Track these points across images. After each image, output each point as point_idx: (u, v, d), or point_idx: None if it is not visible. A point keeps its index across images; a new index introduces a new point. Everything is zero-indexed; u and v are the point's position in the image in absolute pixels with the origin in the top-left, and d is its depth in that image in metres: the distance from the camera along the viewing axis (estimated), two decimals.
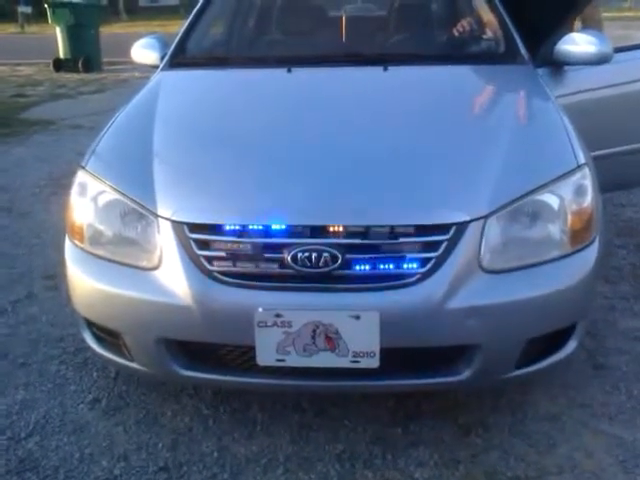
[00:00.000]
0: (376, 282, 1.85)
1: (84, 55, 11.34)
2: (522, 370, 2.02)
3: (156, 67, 3.02)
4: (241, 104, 2.61)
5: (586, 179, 2.06)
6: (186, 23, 3.19)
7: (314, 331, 1.82)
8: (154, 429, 2.25)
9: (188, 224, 1.91)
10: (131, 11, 27.46)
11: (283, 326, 1.82)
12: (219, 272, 1.87)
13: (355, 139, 2.22)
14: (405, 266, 1.84)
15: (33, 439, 2.21)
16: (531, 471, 2.02)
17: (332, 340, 1.83)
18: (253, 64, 2.99)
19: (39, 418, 2.31)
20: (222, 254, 1.88)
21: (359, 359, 1.84)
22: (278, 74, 2.77)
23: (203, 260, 1.88)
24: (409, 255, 1.84)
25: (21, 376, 2.55)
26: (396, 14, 3.60)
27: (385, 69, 2.70)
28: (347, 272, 1.84)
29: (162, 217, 1.94)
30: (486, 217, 1.88)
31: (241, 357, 1.97)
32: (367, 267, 1.84)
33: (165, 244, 1.93)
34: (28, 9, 21.72)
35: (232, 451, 2.13)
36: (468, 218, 1.86)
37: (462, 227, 1.86)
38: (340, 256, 1.82)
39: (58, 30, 11.48)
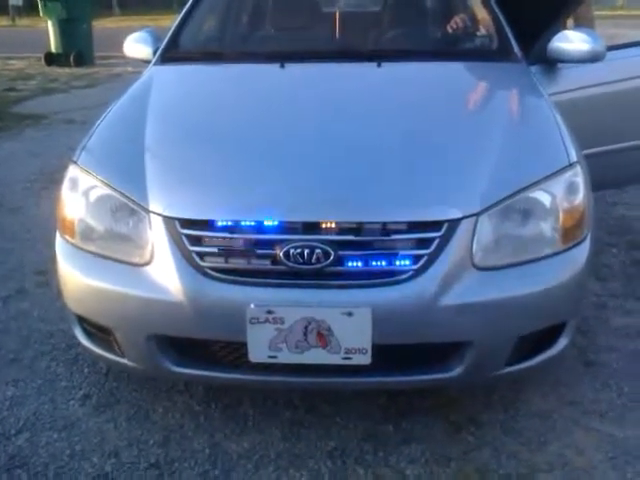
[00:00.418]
0: (368, 279, 1.85)
1: (76, 49, 11.25)
2: (513, 367, 2.03)
3: (148, 61, 3.01)
4: (233, 99, 2.60)
5: (578, 177, 2.06)
6: (179, 17, 3.18)
7: (306, 328, 1.82)
8: (145, 425, 2.24)
9: (180, 220, 1.90)
10: (124, 5, 27.28)
11: (275, 322, 1.82)
12: (211, 268, 1.87)
13: (347, 135, 2.21)
14: (397, 263, 1.84)
15: (23, 435, 2.20)
16: (522, 468, 2.03)
17: (324, 337, 1.83)
18: (246, 59, 2.98)
19: (29, 414, 2.30)
20: (214, 250, 1.88)
21: (351, 356, 1.84)
22: (271, 69, 2.76)
23: (195, 256, 1.87)
24: (401, 252, 1.84)
25: (11, 372, 2.54)
26: (390, 10, 3.60)
27: (379, 65, 2.70)
28: (339, 268, 1.84)
29: (154, 212, 1.93)
30: (478, 214, 1.88)
31: (233, 353, 1.97)
32: (359, 264, 1.84)
33: (157, 240, 1.92)
34: (19, 2, 21.49)
35: (223, 448, 2.13)
36: (460, 215, 1.86)
37: (454, 224, 1.86)
38: (332, 252, 1.81)
39: (50, 24, 11.39)
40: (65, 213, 2.12)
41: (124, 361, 2.08)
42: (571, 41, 2.80)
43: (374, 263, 1.84)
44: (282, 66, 2.72)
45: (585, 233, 2.04)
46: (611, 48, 3.02)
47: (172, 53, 2.99)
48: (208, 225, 1.89)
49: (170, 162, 2.17)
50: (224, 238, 1.88)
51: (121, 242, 2.00)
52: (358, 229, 1.85)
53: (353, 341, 1.83)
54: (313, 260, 1.81)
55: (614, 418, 2.24)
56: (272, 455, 2.09)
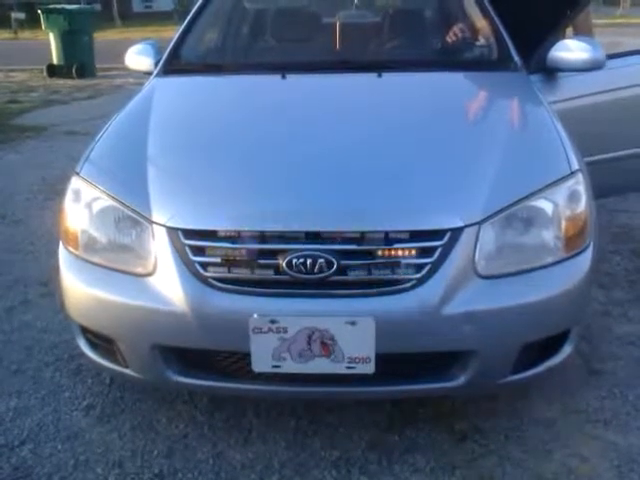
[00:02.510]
0: (371, 288, 1.85)
1: (78, 61, 11.32)
2: (517, 375, 2.03)
3: (150, 73, 3.02)
4: (235, 111, 2.62)
5: (580, 185, 2.06)
6: (180, 29, 3.20)
7: (309, 337, 1.82)
8: (149, 436, 2.24)
9: (183, 230, 1.91)
10: (125, 17, 27.43)
11: (278, 332, 1.82)
12: (214, 278, 1.87)
13: (349, 145, 2.22)
14: (400, 272, 1.84)
15: (27, 446, 2.20)
16: (527, 477, 2.02)
17: (327, 346, 1.83)
18: (247, 71, 2.99)
19: (33, 425, 2.30)
20: (217, 260, 1.88)
21: (354, 365, 1.84)
22: (272, 81, 2.78)
23: (198, 266, 1.88)
24: (404, 261, 1.84)
25: (15, 383, 2.54)
26: (390, 21, 3.61)
27: (379, 76, 2.71)
28: (342, 278, 1.84)
29: (157, 223, 1.94)
30: (480, 223, 1.89)
31: (236, 363, 1.97)
32: (362, 273, 1.84)
33: (160, 250, 1.92)
34: (21, 15, 21.67)
35: (227, 457, 2.13)
36: (463, 224, 1.87)
37: (457, 233, 1.86)
38: (335, 262, 1.82)
39: (52, 36, 11.45)
40: (68, 224, 2.13)
41: (128, 371, 2.09)
42: (571, 50, 2.82)
43: (377, 272, 1.85)
44: (283, 77, 2.74)
45: (588, 241, 2.04)
46: (611, 56, 3.03)
47: (174, 65, 3.00)
48: (211, 235, 1.90)
49: (172, 173, 2.17)
50: (227, 248, 1.88)
51: (124, 253, 2.01)
52: (360, 238, 1.85)
53: (356, 350, 1.83)
54: (316, 270, 1.82)
55: (619, 426, 2.24)
56: (276, 465, 2.09)
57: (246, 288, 1.87)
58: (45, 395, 2.46)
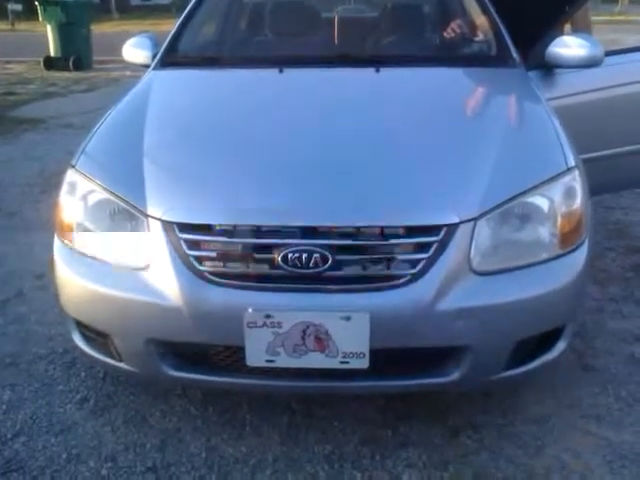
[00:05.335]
0: (366, 283, 1.85)
1: (75, 53, 11.29)
2: (512, 371, 2.03)
3: (147, 66, 3.01)
4: (232, 104, 2.61)
5: (576, 181, 2.06)
6: (178, 22, 3.19)
7: (304, 332, 1.82)
8: (142, 429, 2.24)
9: (178, 224, 1.90)
10: (123, 10, 27.36)
11: (273, 327, 1.82)
12: (209, 272, 1.87)
13: (346, 140, 2.21)
14: (395, 267, 1.84)
15: (20, 439, 2.20)
16: (520, 472, 2.03)
17: (322, 341, 1.83)
18: (245, 64, 2.98)
19: (26, 418, 2.29)
20: (212, 254, 1.88)
21: (349, 360, 1.84)
22: (269, 75, 2.77)
23: (193, 260, 1.87)
24: (399, 256, 1.84)
25: (8, 376, 2.54)
26: (389, 16, 3.61)
27: (377, 70, 2.71)
28: (337, 273, 1.84)
29: (152, 217, 1.93)
30: (476, 219, 1.89)
31: (230, 358, 1.97)
32: (357, 268, 1.84)
33: (155, 244, 1.92)
34: (18, 6, 21.62)
35: (221, 452, 2.13)
36: (458, 220, 1.87)
37: (452, 229, 1.86)
38: (330, 257, 1.81)
39: (49, 28, 11.43)
40: (63, 217, 2.12)
41: (122, 365, 2.08)
42: (569, 46, 2.81)
43: (372, 267, 1.84)
44: (281, 71, 2.73)
45: (583, 237, 2.05)
46: (609, 53, 3.03)
47: (171, 58, 2.99)
48: (206, 229, 1.89)
49: (169, 166, 2.17)
50: (222, 242, 1.88)
51: (119, 246, 2.00)
52: (356, 233, 1.85)
53: (351, 345, 1.83)
54: (311, 264, 1.81)
55: (611, 422, 2.24)
56: (269, 459, 2.09)
57: (241, 282, 1.86)
58: (39, 388, 2.46)
